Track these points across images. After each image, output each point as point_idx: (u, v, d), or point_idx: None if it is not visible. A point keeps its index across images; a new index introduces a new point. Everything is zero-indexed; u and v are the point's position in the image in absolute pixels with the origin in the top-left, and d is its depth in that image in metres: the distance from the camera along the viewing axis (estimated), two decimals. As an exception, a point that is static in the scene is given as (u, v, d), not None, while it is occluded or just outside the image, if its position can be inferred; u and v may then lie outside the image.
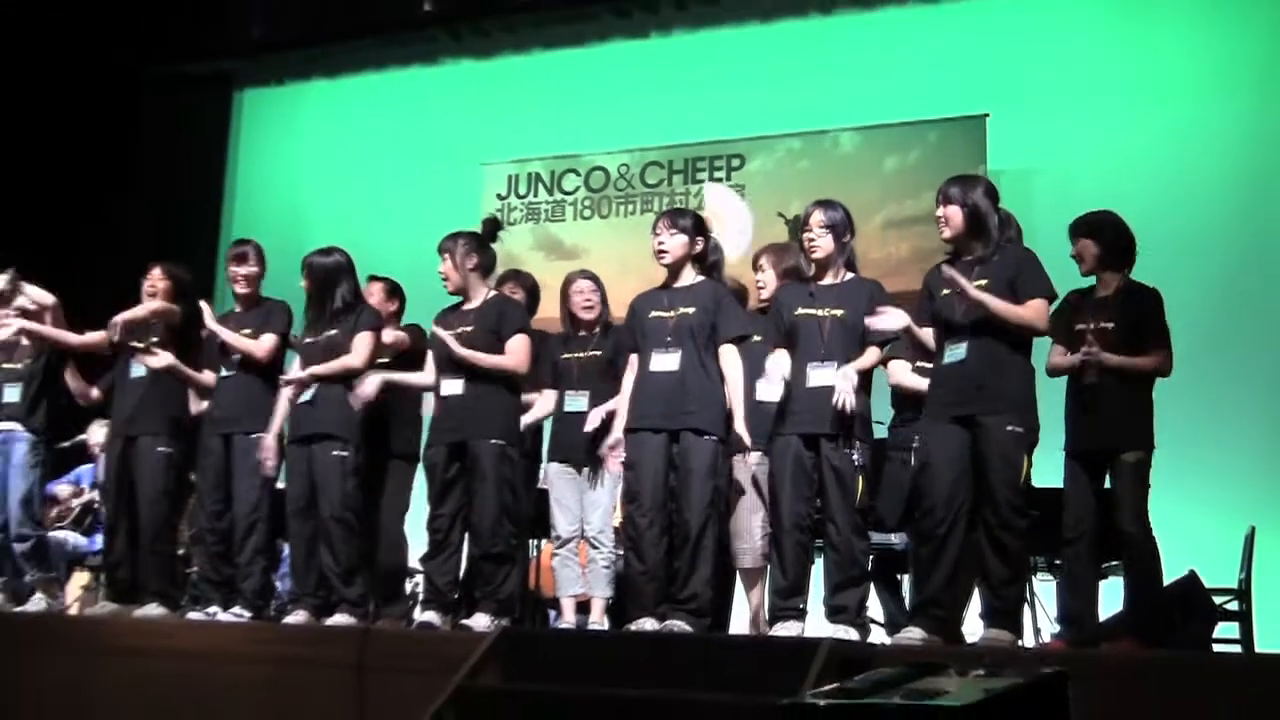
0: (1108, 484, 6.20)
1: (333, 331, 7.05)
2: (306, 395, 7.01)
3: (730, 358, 6.37)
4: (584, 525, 7.00)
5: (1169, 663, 5.36)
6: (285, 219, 12.22)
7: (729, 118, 11.34)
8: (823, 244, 6.27)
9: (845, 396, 5.94)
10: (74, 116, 12.27)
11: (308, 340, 7.13)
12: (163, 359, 7.39)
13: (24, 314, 7.95)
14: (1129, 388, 6.14)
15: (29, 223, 11.14)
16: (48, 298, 7.97)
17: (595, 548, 6.95)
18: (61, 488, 9.36)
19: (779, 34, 11.46)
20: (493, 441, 6.60)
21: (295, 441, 7.04)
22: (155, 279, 7.71)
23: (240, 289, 7.50)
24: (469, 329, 6.76)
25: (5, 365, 8.13)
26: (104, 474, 7.81)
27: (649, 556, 6.31)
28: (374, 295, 7.63)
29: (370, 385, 6.86)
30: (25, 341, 8.06)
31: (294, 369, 7.22)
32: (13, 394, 8.03)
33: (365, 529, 7.07)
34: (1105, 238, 6.37)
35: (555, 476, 7.10)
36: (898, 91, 10.82)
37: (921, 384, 6.37)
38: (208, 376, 7.51)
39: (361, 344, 6.99)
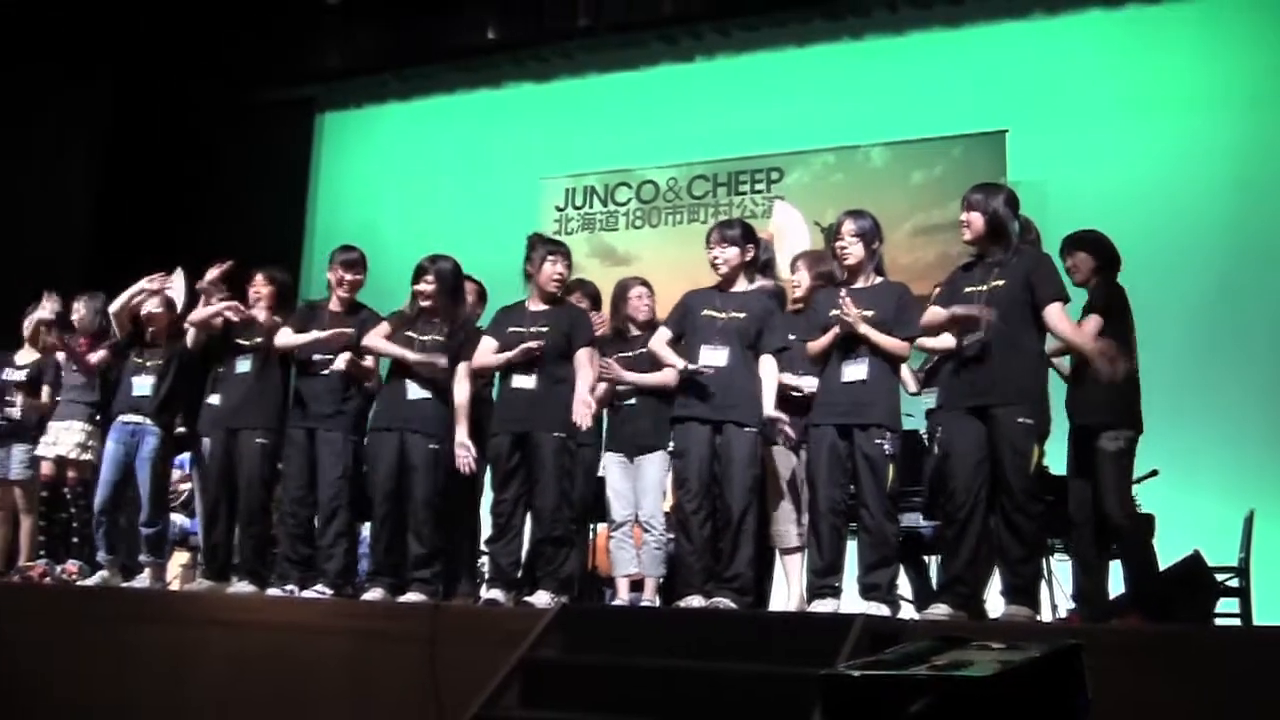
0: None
1: (439, 339, 7.05)
2: (410, 393, 6.99)
3: (769, 367, 6.43)
4: (637, 510, 7.01)
5: (1175, 636, 5.34)
6: (362, 230, 12.23)
7: (768, 134, 11.34)
8: (854, 251, 6.29)
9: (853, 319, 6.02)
10: (174, 142, 12.45)
11: (430, 339, 7.05)
12: (340, 361, 7.31)
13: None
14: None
15: (138, 235, 11.30)
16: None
17: (647, 531, 6.95)
18: None
19: (814, 57, 11.44)
20: (554, 434, 6.60)
21: (386, 429, 7.03)
22: (259, 284, 7.75)
23: (344, 293, 7.49)
24: (543, 329, 6.77)
25: (136, 360, 8.14)
26: (208, 462, 7.82)
27: (696, 538, 6.35)
28: (469, 296, 7.62)
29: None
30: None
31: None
32: (143, 387, 8.03)
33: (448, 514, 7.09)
34: (1100, 252, 6.42)
35: (610, 465, 7.11)
36: (924, 110, 10.80)
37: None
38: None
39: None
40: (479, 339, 7.00)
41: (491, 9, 12.24)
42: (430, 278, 7.09)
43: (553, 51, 12.46)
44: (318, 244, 12.48)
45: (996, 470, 5.73)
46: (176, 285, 8.23)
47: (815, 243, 10.48)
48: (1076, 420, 6.19)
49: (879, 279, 6.36)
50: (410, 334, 7.07)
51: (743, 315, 6.50)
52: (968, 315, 5.85)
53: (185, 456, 9.25)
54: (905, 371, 6.57)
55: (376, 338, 7.12)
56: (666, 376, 6.71)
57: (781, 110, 11.32)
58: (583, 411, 6.50)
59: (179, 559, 9.16)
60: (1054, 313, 5.81)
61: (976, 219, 5.98)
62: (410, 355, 6.96)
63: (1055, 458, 6.20)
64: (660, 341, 6.70)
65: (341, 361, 7.17)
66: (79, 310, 8.58)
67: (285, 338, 7.37)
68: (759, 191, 11.36)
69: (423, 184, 12.75)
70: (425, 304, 7.10)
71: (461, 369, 6.96)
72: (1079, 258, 6.46)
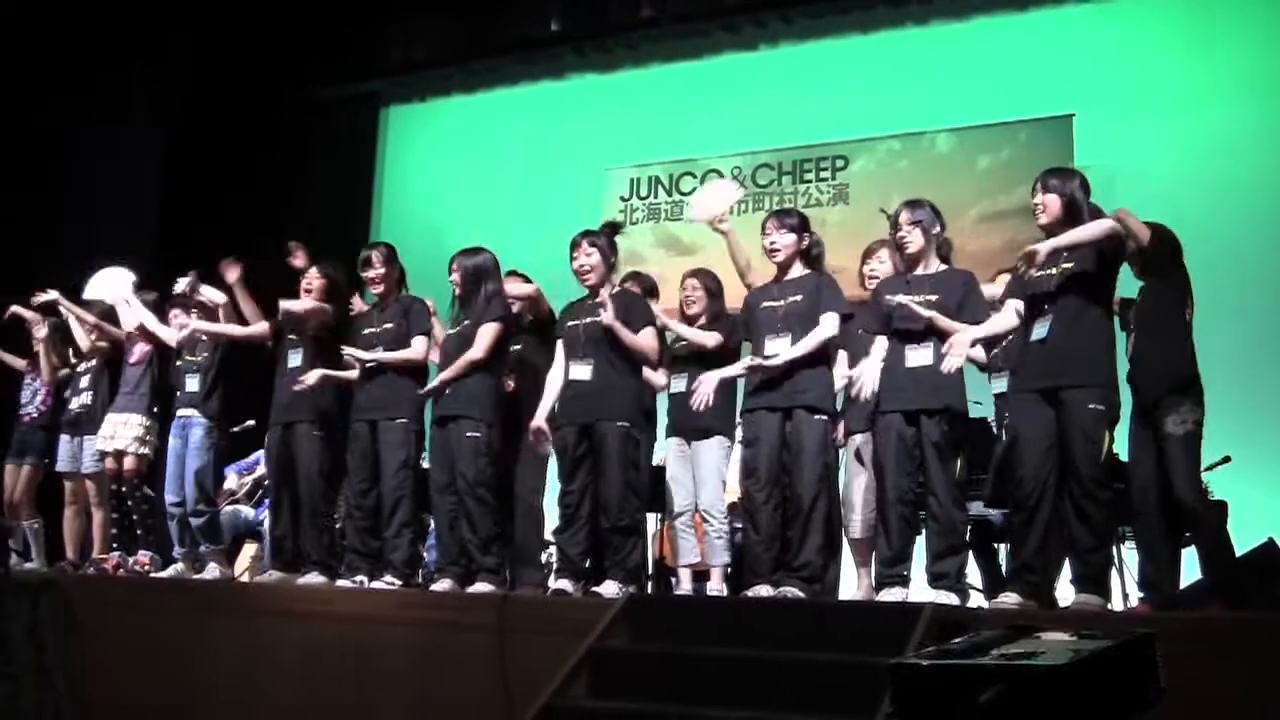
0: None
1: (468, 325, 7.09)
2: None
3: (827, 321, 6.42)
4: (696, 499, 6.99)
5: (1250, 624, 5.27)
6: (427, 222, 12.38)
7: (833, 122, 11.29)
8: (913, 239, 6.29)
9: (955, 359, 5.91)
10: (241, 136, 12.57)
11: (449, 333, 7.17)
12: (312, 377, 7.47)
13: (202, 310, 8.21)
14: (1165, 340, 5.95)
15: (205, 229, 11.41)
16: (220, 297, 8.13)
17: (707, 521, 6.94)
18: (231, 476, 9.53)
19: (878, 44, 11.37)
20: (619, 424, 6.61)
21: (436, 423, 7.07)
22: (311, 277, 7.81)
23: (375, 289, 7.59)
24: (598, 319, 6.78)
25: (187, 358, 8.37)
26: (266, 456, 7.94)
27: (764, 527, 6.35)
28: (520, 290, 7.67)
29: (311, 378, 7.34)
30: (204, 338, 8.26)
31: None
32: (192, 384, 8.28)
33: (501, 502, 7.10)
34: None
35: (668, 452, 7.11)
36: (989, 95, 10.72)
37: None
38: (353, 373, 7.55)
39: (485, 335, 7.00)
40: (502, 314, 7.12)
41: (555, 1, 12.26)
42: (454, 271, 7.20)
43: (616, 42, 12.47)
44: (383, 237, 12.46)
45: (1066, 456, 5.69)
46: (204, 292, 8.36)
47: (860, 222, 10.38)
48: (1137, 396, 6.04)
49: (943, 266, 6.33)
50: (449, 331, 7.20)
51: (799, 298, 6.50)
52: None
53: (260, 452, 9.37)
54: (976, 350, 6.54)
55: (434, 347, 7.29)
56: (706, 338, 6.88)
57: (846, 97, 11.27)
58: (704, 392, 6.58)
59: (248, 550, 9.24)
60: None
61: (1054, 201, 5.94)
62: (447, 374, 7.03)
63: (1123, 443, 6.13)
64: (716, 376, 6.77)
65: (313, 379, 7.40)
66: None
67: (351, 363, 7.53)
68: (824, 180, 11.31)
69: (487, 176, 12.78)
70: (457, 293, 7.19)
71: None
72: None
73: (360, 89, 13.68)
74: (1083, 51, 10.47)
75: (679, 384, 7.10)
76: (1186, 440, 5.81)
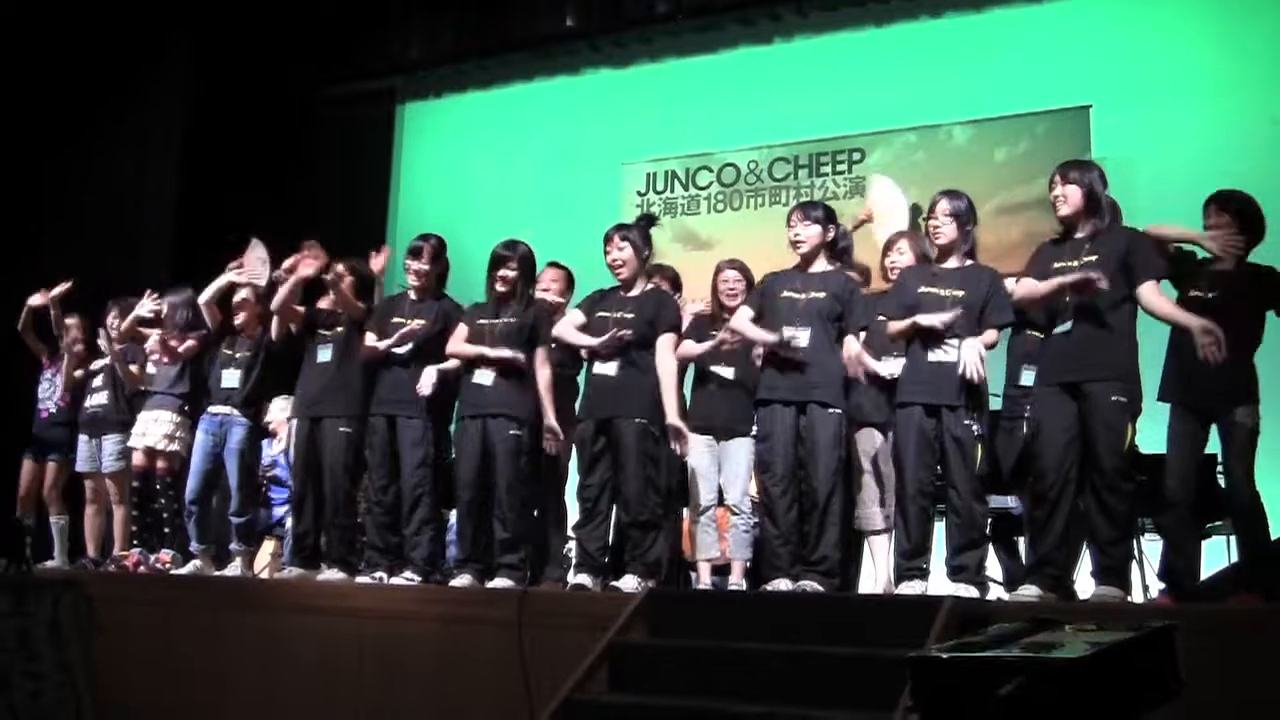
0: (1209, 447, 6.05)
1: (512, 320, 7.07)
2: (488, 379, 7.03)
3: (852, 348, 6.44)
4: (724, 495, 7.00)
5: (1269, 615, 5.26)
6: (444, 219, 12.31)
7: (849, 115, 11.25)
8: (947, 231, 6.27)
9: (973, 367, 5.91)
10: (256, 134, 12.59)
11: (480, 321, 7.10)
12: (427, 384, 7.27)
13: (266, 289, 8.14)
14: (1246, 337, 5.90)
15: (221, 228, 11.43)
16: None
17: (735, 514, 6.95)
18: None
19: (894, 36, 11.34)
20: (637, 420, 6.62)
21: (471, 417, 7.06)
22: (340, 274, 7.79)
23: (412, 281, 7.53)
24: (628, 315, 6.78)
25: (225, 351, 8.29)
26: (292, 452, 7.91)
27: (782, 522, 6.36)
28: (556, 283, 7.68)
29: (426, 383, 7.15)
30: (242, 333, 8.24)
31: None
32: (231, 379, 8.17)
33: (533, 499, 7.13)
34: (1244, 217, 6.15)
35: (694, 446, 7.08)
36: (1006, 86, 10.68)
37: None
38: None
39: (542, 358, 7.05)
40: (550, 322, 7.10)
41: (570, -4, 12.29)
42: (514, 264, 7.11)
43: (631, 37, 12.45)
44: (400, 234, 12.53)
45: (1089, 449, 5.70)
46: (251, 260, 8.24)
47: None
48: (1198, 399, 5.95)
49: (969, 261, 6.33)
50: (483, 320, 7.10)
51: (822, 295, 6.51)
52: (1083, 280, 5.77)
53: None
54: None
55: (457, 343, 7.16)
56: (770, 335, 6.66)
57: (862, 90, 11.23)
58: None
59: (268, 548, 9.26)
60: (1148, 291, 5.79)
61: (1074, 193, 5.96)
62: (489, 353, 6.98)
63: (1144, 436, 6.12)
64: (743, 320, 6.70)
65: (428, 386, 7.19)
66: (165, 306, 8.67)
67: (370, 345, 7.45)
68: (840, 173, 11.28)
69: (504, 172, 12.75)
70: (503, 289, 7.11)
71: (540, 353, 7.01)
72: (1221, 218, 6.15)
73: (376, 86, 13.65)
74: (1100, 43, 10.43)
75: (727, 374, 7.10)
76: (1253, 433, 5.83)
